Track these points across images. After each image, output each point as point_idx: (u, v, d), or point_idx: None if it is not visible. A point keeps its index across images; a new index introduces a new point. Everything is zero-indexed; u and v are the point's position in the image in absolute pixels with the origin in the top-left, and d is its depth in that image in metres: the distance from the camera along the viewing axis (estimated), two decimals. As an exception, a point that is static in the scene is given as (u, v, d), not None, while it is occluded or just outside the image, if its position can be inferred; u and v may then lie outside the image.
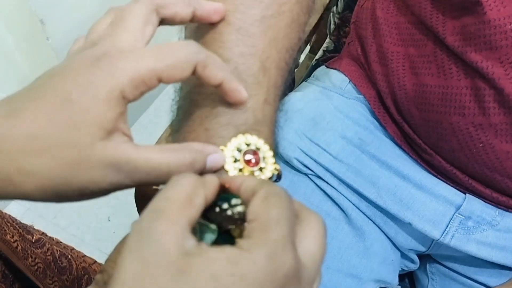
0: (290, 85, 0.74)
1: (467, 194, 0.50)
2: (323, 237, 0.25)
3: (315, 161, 0.53)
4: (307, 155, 0.54)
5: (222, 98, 0.31)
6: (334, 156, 0.53)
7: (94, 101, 0.25)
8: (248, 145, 0.30)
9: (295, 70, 0.81)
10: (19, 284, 0.55)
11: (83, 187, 0.26)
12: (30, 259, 0.56)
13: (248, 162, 0.29)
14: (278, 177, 0.31)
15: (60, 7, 0.88)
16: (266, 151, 0.30)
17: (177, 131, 0.33)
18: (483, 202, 0.50)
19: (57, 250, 0.62)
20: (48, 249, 0.60)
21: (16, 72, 0.98)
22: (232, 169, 0.29)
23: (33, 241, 0.58)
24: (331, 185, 0.53)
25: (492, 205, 0.49)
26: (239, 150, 0.29)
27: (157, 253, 0.21)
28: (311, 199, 0.53)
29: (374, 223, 0.53)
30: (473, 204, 0.50)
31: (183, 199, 0.23)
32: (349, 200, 0.53)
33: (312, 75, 0.67)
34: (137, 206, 0.53)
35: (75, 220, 1.16)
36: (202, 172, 0.28)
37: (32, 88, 0.26)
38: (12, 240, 0.54)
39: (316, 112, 0.56)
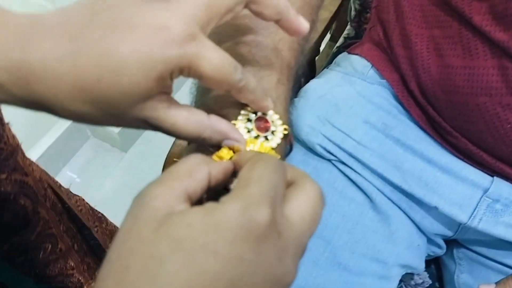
0: (305, 66, 0.74)
1: (494, 177, 0.49)
2: (316, 202, 0.25)
3: (338, 146, 0.53)
4: (330, 140, 0.53)
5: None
6: (357, 141, 0.53)
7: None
8: (255, 113, 0.32)
9: (316, 58, 0.80)
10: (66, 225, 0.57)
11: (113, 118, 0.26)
12: (73, 200, 0.59)
13: (259, 128, 0.31)
14: (290, 145, 0.34)
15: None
16: (272, 115, 0.32)
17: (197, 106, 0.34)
18: (511, 184, 0.49)
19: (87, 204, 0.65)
20: (80, 199, 0.62)
21: None
22: (249, 139, 0.31)
23: (69, 189, 0.61)
24: (355, 171, 0.53)
25: (520, 187, 0.49)
26: (249, 120, 0.31)
27: (146, 212, 0.22)
28: (335, 185, 0.53)
29: (399, 208, 0.53)
30: (501, 187, 0.49)
31: (183, 171, 0.24)
32: (373, 185, 0.53)
33: (333, 62, 0.67)
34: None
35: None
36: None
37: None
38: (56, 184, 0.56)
39: (338, 98, 0.56)
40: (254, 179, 0.23)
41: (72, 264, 0.57)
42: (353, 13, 0.81)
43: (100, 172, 1.23)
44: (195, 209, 0.22)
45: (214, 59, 0.26)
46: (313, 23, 0.38)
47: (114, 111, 0.25)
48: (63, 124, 1.16)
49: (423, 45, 0.51)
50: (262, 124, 0.32)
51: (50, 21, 0.25)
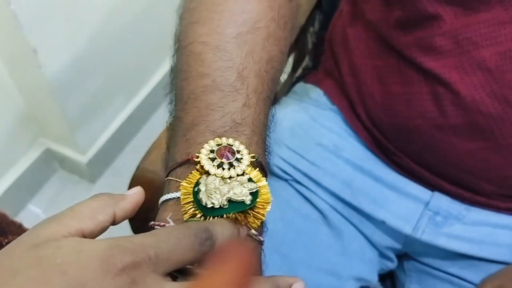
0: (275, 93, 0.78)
1: (434, 192, 0.54)
2: None
3: (293, 167, 0.57)
4: (286, 161, 0.57)
5: (203, 109, 0.34)
6: (311, 162, 0.57)
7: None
8: (219, 145, 0.33)
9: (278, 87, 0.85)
10: None
11: None
12: None
13: (222, 154, 0.32)
14: (261, 168, 0.33)
15: (53, 36, 0.92)
16: (238, 145, 0.33)
17: (168, 147, 0.36)
18: (449, 198, 0.53)
19: None
20: None
21: (8, 98, 1.01)
22: (211, 168, 0.31)
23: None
24: (309, 189, 0.57)
25: (457, 200, 0.53)
26: (212, 151, 0.32)
27: (30, 236, 0.24)
28: (291, 202, 0.57)
29: (351, 223, 0.57)
30: (440, 201, 0.53)
31: (86, 212, 0.26)
32: (326, 203, 0.56)
33: (291, 91, 0.72)
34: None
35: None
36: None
37: None
38: None
39: (293, 123, 0.61)
40: (153, 233, 0.26)
41: None
42: (310, 45, 0.87)
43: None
44: (74, 238, 0.24)
45: None
46: (281, 53, 0.40)
47: None
48: (31, 157, 1.17)
49: (367, 74, 0.56)
50: (223, 150, 0.32)
51: None
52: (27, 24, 0.85)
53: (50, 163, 1.23)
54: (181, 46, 0.39)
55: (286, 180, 0.58)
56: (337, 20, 0.67)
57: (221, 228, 0.28)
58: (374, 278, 0.58)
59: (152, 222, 0.31)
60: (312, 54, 0.86)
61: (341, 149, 0.58)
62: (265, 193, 0.31)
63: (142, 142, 1.34)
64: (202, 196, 0.30)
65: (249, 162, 0.32)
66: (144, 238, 0.25)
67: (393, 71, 0.53)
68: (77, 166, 1.21)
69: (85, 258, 0.23)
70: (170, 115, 0.39)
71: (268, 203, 0.31)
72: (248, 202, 0.30)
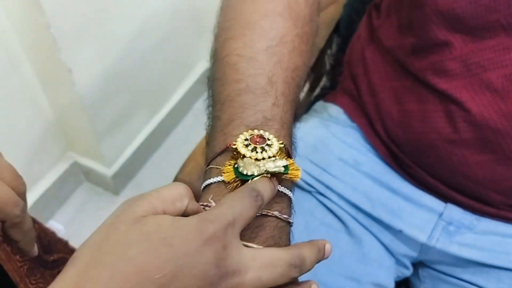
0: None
1: (447, 203, 0.59)
2: (280, 267, 0.31)
3: (316, 179, 0.62)
4: (309, 175, 0.62)
5: (238, 108, 0.39)
6: (333, 175, 0.62)
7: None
8: (252, 135, 0.37)
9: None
10: None
11: None
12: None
13: (255, 141, 0.37)
14: (288, 154, 0.38)
15: (86, 56, 0.99)
16: (268, 135, 0.37)
17: (207, 143, 0.42)
18: (461, 209, 0.58)
19: None
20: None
21: (40, 114, 1.08)
22: (246, 151, 0.36)
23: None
24: (331, 200, 0.61)
25: (469, 211, 0.58)
26: (246, 139, 0.37)
27: (126, 213, 0.29)
28: (314, 213, 0.62)
29: (370, 232, 0.61)
30: (453, 211, 0.58)
31: (168, 197, 0.30)
32: (347, 213, 0.61)
33: (311, 109, 0.77)
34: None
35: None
36: None
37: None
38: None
39: (315, 139, 0.66)
40: (220, 203, 0.31)
41: None
42: (328, 67, 0.93)
43: (94, 216, 1.29)
44: (167, 215, 0.29)
45: None
46: (304, 65, 0.45)
47: None
48: (59, 169, 1.23)
49: (385, 94, 0.61)
50: (256, 137, 0.37)
51: None
52: (64, 46, 0.92)
53: (77, 176, 1.29)
54: (218, 58, 0.45)
55: (310, 192, 0.63)
56: (355, 44, 0.72)
57: (263, 185, 0.34)
58: (391, 284, 0.62)
59: (200, 203, 0.36)
60: (330, 74, 0.92)
61: (361, 163, 0.62)
62: (295, 168, 0.36)
63: (163, 156, 1.40)
64: (243, 169, 0.35)
65: (278, 148, 0.37)
66: (219, 209, 0.30)
67: (409, 91, 0.58)
68: (102, 178, 1.27)
69: (185, 231, 0.28)
70: (208, 116, 0.44)
71: (298, 170, 0.37)
72: (282, 170, 0.35)
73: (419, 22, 0.55)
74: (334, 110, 0.69)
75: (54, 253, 0.63)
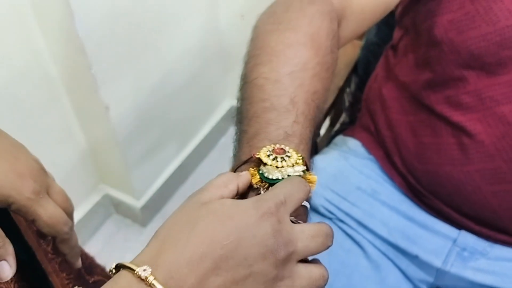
0: (316, 135, 0.88)
1: (461, 230, 0.62)
2: (321, 237, 0.35)
3: (337, 207, 0.66)
4: (330, 202, 0.67)
5: (263, 124, 0.44)
6: (352, 203, 0.66)
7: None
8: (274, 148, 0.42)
9: (318, 139, 0.96)
10: None
11: None
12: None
13: (277, 153, 0.41)
14: (305, 165, 0.41)
15: (122, 94, 1.06)
16: (288, 148, 0.41)
17: (234, 155, 0.46)
18: (475, 236, 0.61)
19: None
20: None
21: (76, 148, 1.15)
22: (268, 160, 0.40)
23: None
24: (351, 227, 0.66)
25: (482, 238, 0.61)
26: (269, 151, 0.42)
27: (193, 200, 0.34)
28: (335, 238, 0.65)
29: (388, 257, 0.65)
30: (467, 238, 0.61)
31: (220, 182, 0.36)
32: (366, 239, 0.65)
33: (332, 143, 0.82)
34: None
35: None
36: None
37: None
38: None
39: (336, 170, 0.70)
40: (274, 187, 0.37)
41: None
42: (347, 104, 0.98)
43: (122, 247, 1.34)
44: (228, 199, 0.35)
45: (50, 210, 0.43)
46: (323, 90, 0.50)
47: None
48: (91, 201, 1.29)
49: (401, 128, 0.66)
50: (278, 149, 0.41)
51: None
52: (103, 85, 1.00)
53: (107, 208, 1.35)
54: (247, 81, 0.50)
55: (330, 219, 0.67)
56: (372, 83, 0.78)
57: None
58: (408, 309, 0.65)
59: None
60: (349, 111, 0.97)
61: (378, 192, 0.67)
62: (312, 174, 0.40)
63: (189, 189, 1.45)
64: (267, 174, 0.40)
65: (297, 158, 0.41)
66: (273, 191, 0.35)
67: (424, 124, 0.62)
68: (131, 210, 1.33)
69: (243, 208, 0.33)
70: (235, 132, 0.49)
71: (315, 177, 0.41)
72: (301, 174, 0.39)
73: (436, 60, 0.60)
74: (353, 144, 0.74)
75: (95, 274, 0.69)
